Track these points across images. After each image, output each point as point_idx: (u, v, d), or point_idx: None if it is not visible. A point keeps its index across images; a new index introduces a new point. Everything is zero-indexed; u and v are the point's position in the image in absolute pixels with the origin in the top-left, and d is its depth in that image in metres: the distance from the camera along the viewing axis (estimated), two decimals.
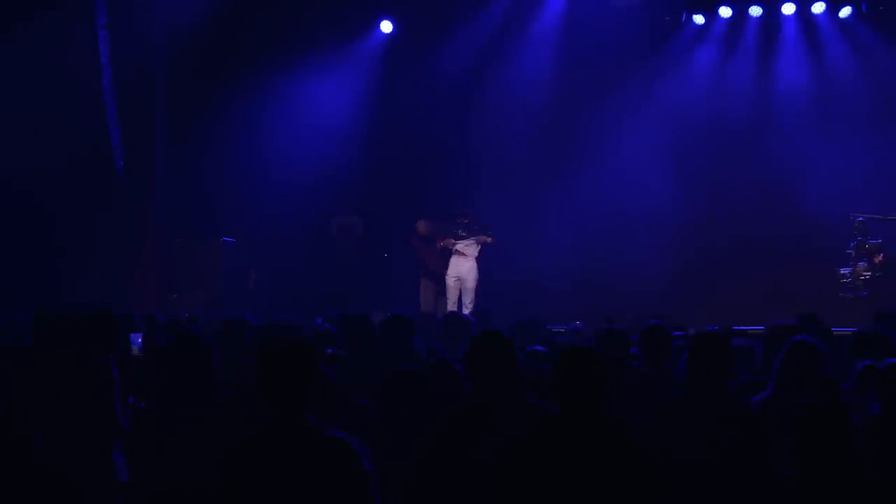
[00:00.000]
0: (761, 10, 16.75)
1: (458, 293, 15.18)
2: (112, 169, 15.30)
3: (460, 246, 15.09)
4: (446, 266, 15.31)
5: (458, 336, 8.16)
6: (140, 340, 8.13)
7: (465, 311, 14.05)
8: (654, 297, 14.64)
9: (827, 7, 16.55)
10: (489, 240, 15.12)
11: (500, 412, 4.94)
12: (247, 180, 16.50)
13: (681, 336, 7.94)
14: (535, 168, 17.16)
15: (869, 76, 16.42)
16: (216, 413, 5.40)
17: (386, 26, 17.46)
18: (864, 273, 13.76)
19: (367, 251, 17.41)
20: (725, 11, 16.87)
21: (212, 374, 5.57)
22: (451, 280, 15.21)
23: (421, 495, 5.06)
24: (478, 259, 15.21)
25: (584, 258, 16.46)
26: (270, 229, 16.56)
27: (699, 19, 17.03)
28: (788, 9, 16.67)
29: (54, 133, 14.61)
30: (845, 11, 16.48)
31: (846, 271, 14.00)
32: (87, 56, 14.79)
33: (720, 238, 16.58)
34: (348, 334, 7.52)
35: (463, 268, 15.13)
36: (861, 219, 13.89)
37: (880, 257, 13.60)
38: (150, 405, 5.70)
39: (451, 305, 15.07)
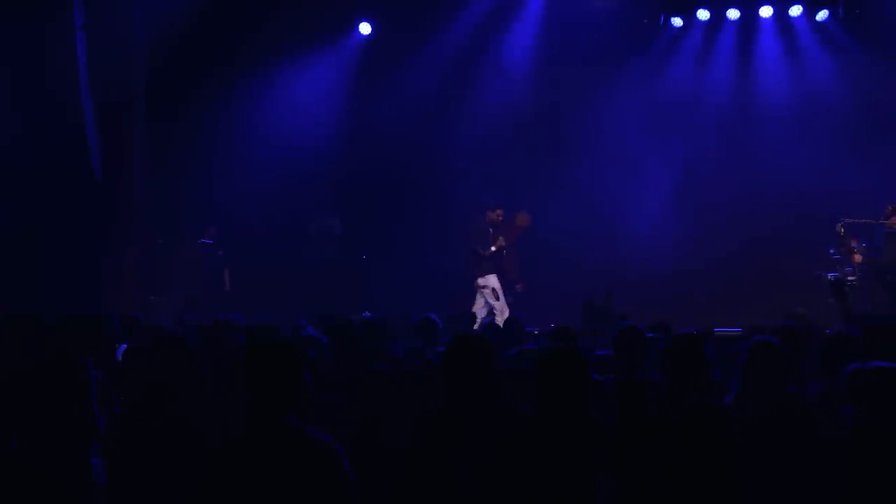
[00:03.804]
0: (739, 13, 16.85)
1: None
2: (89, 169, 15.21)
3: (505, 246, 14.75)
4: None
5: (430, 337, 8.17)
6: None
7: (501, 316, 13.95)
8: (636, 298, 14.67)
9: (804, 10, 16.65)
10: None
11: (478, 414, 4.94)
12: (225, 181, 16.44)
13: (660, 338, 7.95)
14: (515, 169, 17.20)
15: (845, 78, 16.55)
16: (197, 415, 5.38)
17: (364, 28, 17.44)
18: (851, 277, 13.82)
19: (347, 252, 17.38)
20: (703, 14, 16.95)
21: (194, 376, 5.55)
22: (494, 283, 14.73)
23: (399, 497, 5.06)
24: None
25: (565, 258, 16.49)
26: (249, 230, 16.52)
27: (677, 22, 17.10)
28: (766, 12, 16.77)
29: (31, 133, 14.50)
30: (822, 15, 16.60)
31: (832, 276, 14.03)
32: (64, 56, 14.69)
33: (701, 238, 16.66)
34: (329, 336, 7.50)
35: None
36: (845, 223, 13.91)
37: (858, 258, 13.65)
38: (130, 407, 5.67)
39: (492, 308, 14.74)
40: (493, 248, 14.66)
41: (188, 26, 15.62)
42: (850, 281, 13.80)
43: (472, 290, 15.01)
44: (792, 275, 15.59)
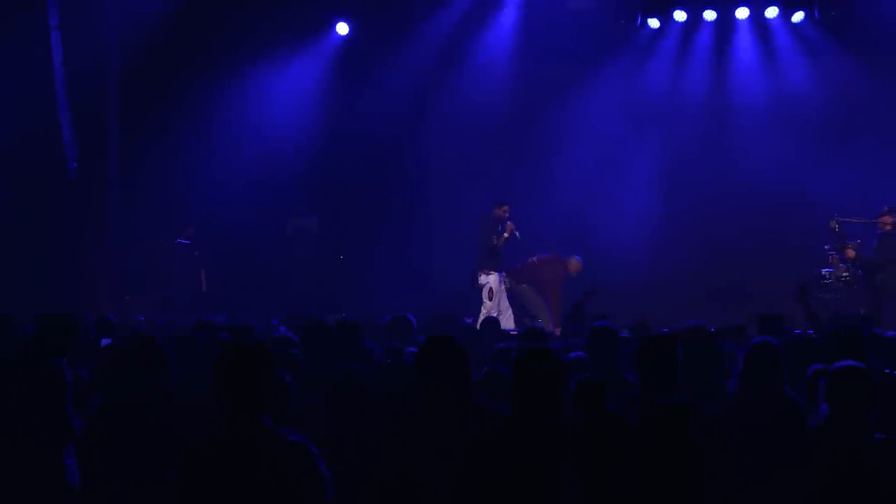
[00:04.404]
0: (716, 14, 16.91)
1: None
2: (64, 169, 15.12)
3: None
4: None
5: (403, 337, 8.15)
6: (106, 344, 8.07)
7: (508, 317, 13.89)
8: (616, 298, 14.69)
9: (780, 12, 16.73)
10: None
11: (451, 415, 4.93)
12: (201, 181, 16.37)
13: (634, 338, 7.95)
14: (493, 169, 17.20)
15: (821, 79, 16.65)
16: (171, 416, 5.35)
17: (342, 28, 17.39)
18: (845, 273, 13.81)
19: (324, 252, 17.35)
20: (680, 15, 16.99)
21: (167, 377, 5.52)
22: (493, 282, 14.58)
23: (373, 498, 5.05)
24: None
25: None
26: (226, 230, 16.46)
27: (654, 23, 17.14)
28: (742, 13, 16.84)
29: (6, 133, 14.41)
30: (798, 17, 16.68)
31: (827, 272, 14.03)
32: (39, 56, 14.61)
33: (679, 238, 16.73)
34: (304, 337, 7.48)
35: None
36: (839, 220, 13.89)
37: (851, 253, 13.64)
38: (104, 408, 5.63)
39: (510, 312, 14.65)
40: (505, 235, 14.51)
41: (164, 26, 15.56)
42: (844, 277, 13.80)
43: (453, 290, 15.02)
44: (770, 274, 15.65)
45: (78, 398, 5.87)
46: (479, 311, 14.45)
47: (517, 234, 14.55)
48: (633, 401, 5.48)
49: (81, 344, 6.88)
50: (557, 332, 14.26)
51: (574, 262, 15.38)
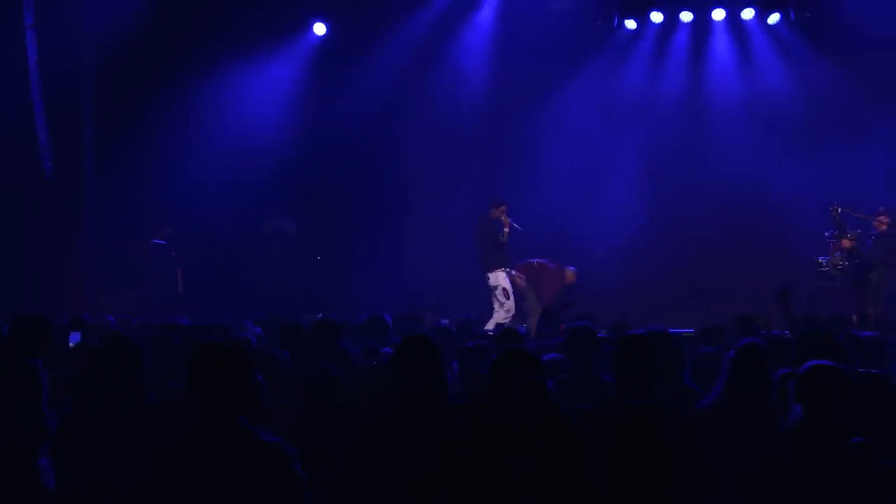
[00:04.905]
0: (692, 16, 16.96)
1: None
2: (39, 169, 15.03)
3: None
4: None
5: (378, 337, 8.15)
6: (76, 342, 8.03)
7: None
8: (594, 299, 14.74)
9: (756, 13, 16.81)
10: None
11: (426, 414, 4.94)
12: (178, 181, 16.31)
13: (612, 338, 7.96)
14: (470, 169, 17.20)
15: (796, 80, 16.74)
16: (146, 416, 5.33)
17: (319, 28, 17.35)
18: (841, 262, 13.81)
19: (301, 253, 17.32)
20: (657, 16, 17.04)
21: (142, 377, 5.50)
22: (503, 281, 14.55)
23: (348, 497, 5.04)
24: None
25: (519, 257, 16.51)
26: (202, 230, 16.40)
27: (631, 24, 17.18)
28: (719, 14, 16.91)
29: None
30: (774, 18, 16.76)
31: (824, 260, 14.02)
32: (13, 55, 14.52)
33: (656, 239, 16.77)
34: (279, 337, 7.47)
35: None
36: (841, 209, 13.88)
37: (847, 243, 13.64)
38: (79, 408, 5.60)
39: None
40: (506, 230, 14.52)
41: (140, 25, 15.49)
42: (841, 265, 13.81)
43: (428, 291, 15.00)
44: (750, 274, 15.73)
45: (52, 398, 5.84)
46: (495, 312, 14.48)
47: (517, 226, 14.61)
48: (608, 401, 5.49)
49: (54, 344, 6.84)
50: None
51: (570, 273, 15.44)
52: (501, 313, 14.33)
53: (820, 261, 14.01)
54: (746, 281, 15.49)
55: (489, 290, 14.62)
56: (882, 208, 13.96)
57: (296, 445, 4.33)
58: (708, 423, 5.49)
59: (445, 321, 12.05)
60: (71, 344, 7.92)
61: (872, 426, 5.19)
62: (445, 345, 5.76)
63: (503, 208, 14.68)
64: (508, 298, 14.45)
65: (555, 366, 6.50)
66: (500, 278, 14.50)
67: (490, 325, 13.67)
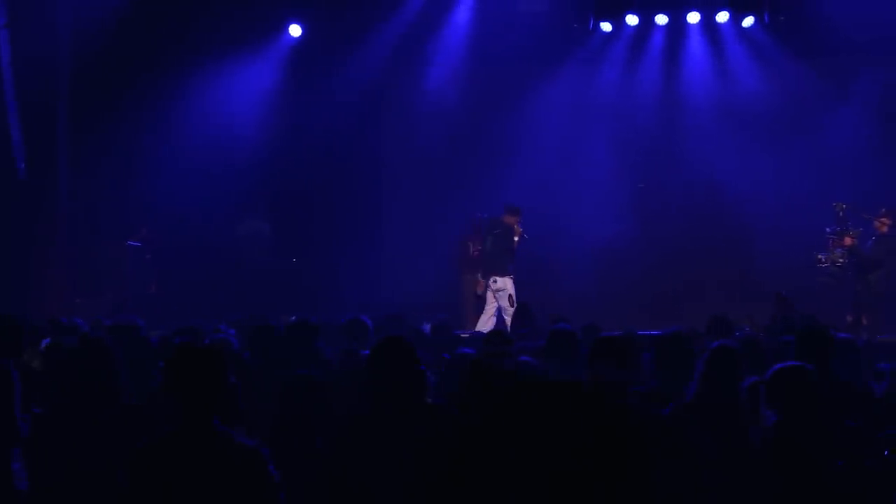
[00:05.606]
0: (667, 19, 17.02)
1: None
2: (13, 169, 14.94)
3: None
4: None
5: (358, 339, 8.14)
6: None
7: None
8: (570, 301, 14.77)
9: (731, 16, 16.89)
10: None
11: (403, 415, 4.94)
12: (152, 183, 16.21)
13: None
14: (447, 170, 17.21)
15: (770, 82, 16.84)
16: (120, 419, 5.31)
17: (295, 30, 17.28)
18: (841, 259, 13.81)
19: (275, 256, 17.27)
20: (632, 19, 17.09)
21: (116, 379, 5.48)
22: (510, 287, 14.61)
23: (324, 500, 5.04)
24: None
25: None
26: (178, 232, 16.32)
27: (606, 27, 17.22)
28: (693, 18, 16.98)
29: None
30: (748, 21, 16.84)
31: (823, 256, 14.03)
32: None
33: (632, 240, 16.81)
34: (251, 340, 7.45)
35: None
36: (845, 206, 13.86)
37: (849, 240, 13.64)
38: (52, 411, 5.58)
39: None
40: (515, 238, 14.68)
41: (115, 25, 15.39)
42: (840, 262, 13.84)
43: (403, 294, 14.98)
44: (727, 275, 15.82)
45: (24, 400, 5.81)
46: (483, 314, 14.63)
47: (525, 235, 14.77)
48: (579, 402, 5.48)
49: (27, 345, 6.82)
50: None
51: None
52: (505, 315, 14.39)
53: (819, 257, 14.00)
54: (724, 281, 15.59)
55: (491, 292, 14.66)
56: (884, 210, 13.89)
57: (269, 447, 4.32)
58: (680, 423, 5.52)
59: (427, 326, 12.07)
60: (42, 345, 7.87)
61: (839, 429, 5.23)
62: (421, 346, 5.76)
63: (518, 217, 14.78)
64: (513, 305, 14.50)
65: (526, 368, 6.51)
66: (508, 284, 14.59)
67: (484, 328, 13.79)
